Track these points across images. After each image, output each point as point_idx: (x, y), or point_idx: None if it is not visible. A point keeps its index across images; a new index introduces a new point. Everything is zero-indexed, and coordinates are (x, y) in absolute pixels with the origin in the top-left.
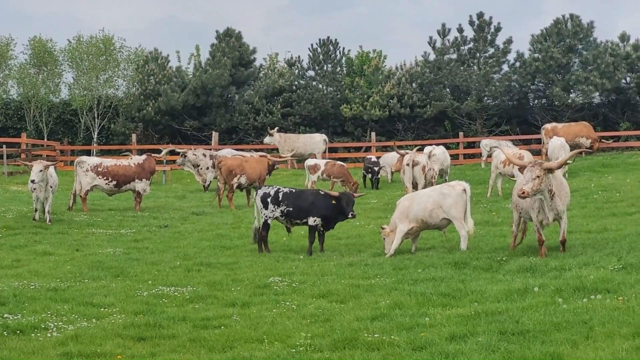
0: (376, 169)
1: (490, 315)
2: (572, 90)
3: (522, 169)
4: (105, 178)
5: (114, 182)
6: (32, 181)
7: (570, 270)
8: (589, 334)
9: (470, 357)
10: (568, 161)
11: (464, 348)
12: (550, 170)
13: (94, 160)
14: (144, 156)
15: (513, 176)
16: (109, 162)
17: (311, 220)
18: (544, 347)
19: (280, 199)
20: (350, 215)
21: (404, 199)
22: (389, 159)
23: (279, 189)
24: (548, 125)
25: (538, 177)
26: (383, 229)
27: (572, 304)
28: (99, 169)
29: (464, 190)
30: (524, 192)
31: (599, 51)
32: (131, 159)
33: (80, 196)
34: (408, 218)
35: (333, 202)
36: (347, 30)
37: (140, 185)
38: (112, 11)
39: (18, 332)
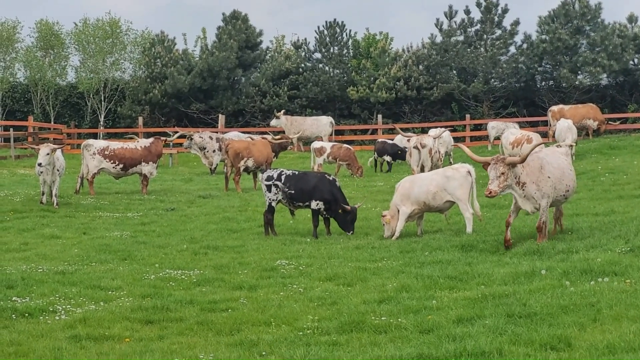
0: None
1: (498, 298)
2: (579, 72)
3: (485, 165)
4: (112, 161)
5: (121, 165)
6: (39, 164)
7: (577, 253)
8: (596, 317)
9: (478, 339)
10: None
11: (471, 331)
12: (513, 165)
13: (100, 143)
14: (151, 139)
15: None
16: (115, 145)
17: (314, 204)
18: (551, 330)
19: (282, 181)
20: (349, 233)
21: (404, 181)
22: (447, 138)
23: (282, 171)
24: (555, 108)
25: (503, 174)
26: (383, 216)
27: (579, 287)
28: (106, 152)
29: (469, 172)
30: (490, 192)
31: (607, 32)
32: (138, 142)
33: (87, 179)
34: (410, 200)
35: (340, 211)
36: (353, 12)
37: (146, 168)
38: None
39: (26, 315)
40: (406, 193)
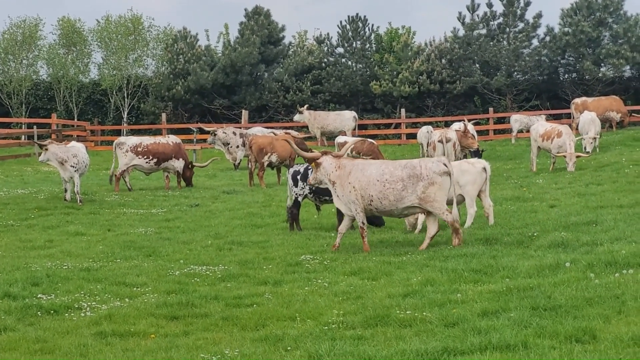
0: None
1: (522, 291)
2: (602, 64)
3: (310, 161)
4: (145, 157)
5: (155, 160)
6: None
7: (601, 245)
8: (621, 309)
9: (503, 332)
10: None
11: (496, 324)
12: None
13: (133, 140)
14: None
15: (550, 150)
16: (148, 140)
17: None
18: (576, 322)
19: (309, 176)
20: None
21: None
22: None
23: (308, 166)
24: (578, 100)
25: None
26: None
27: (604, 279)
28: (139, 149)
29: (484, 168)
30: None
31: (630, 24)
32: (168, 137)
33: (116, 175)
34: None
35: None
36: (376, 6)
37: (177, 163)
38: None
39: (52, 312)
40: None
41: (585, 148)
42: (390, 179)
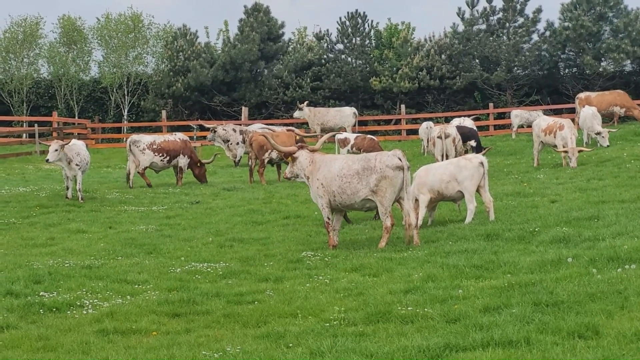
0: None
1: (524, 287)
2: (603, 59)
3: (286, 155)
4: (160, 154)
5: (168, 158)
6: (47, 160)
7: (604, 240)
8: (624, 304)
9: (505, 328)
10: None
11: (498, 320)
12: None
13: (147, 138)
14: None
15: (555, 146)
16: (160, 138)
17: None
18: (578, 318)
19: None
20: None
21: (420, 170)
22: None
23: None
24: (582, 95)
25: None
26: None
27: (606, 274)
28: (154, 146)
29: (481, 163)
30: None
31: (630, 19)
32: (175, 134)
33: (139, 172)
34: (426, 188)
35: None
36: (375, 2)
37: (182, 160)
38: None
39: (54, 309)
40: (422, 182)
41: (600, 144)
42: (347, 172)
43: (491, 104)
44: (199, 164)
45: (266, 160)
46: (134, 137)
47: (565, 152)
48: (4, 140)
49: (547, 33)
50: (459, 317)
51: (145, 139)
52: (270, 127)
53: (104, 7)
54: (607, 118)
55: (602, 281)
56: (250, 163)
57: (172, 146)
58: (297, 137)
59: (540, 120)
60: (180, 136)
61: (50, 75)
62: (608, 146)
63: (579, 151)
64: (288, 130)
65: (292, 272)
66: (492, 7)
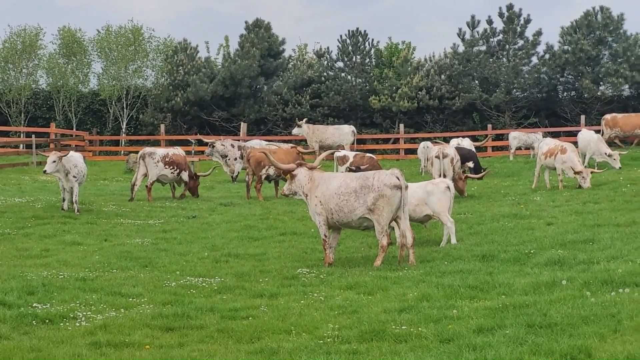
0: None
1: (518, 308)
2: (601, 83)
3: (285, 172)
4: (171, 167)
5: (178, 171)
6: (44, 172)
7: (598, 263)
8: (617, 328)
9: (498, 349)
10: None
11: (492, 340)
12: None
13: (161, 151)
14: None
15: (554, 168)
16: (171, 151)
17: None
18: (571, 340)
19: None
20: None
21: None
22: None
23: None
24: (608, 116)
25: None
26: None
27: (600, 297)
28: (167, 159)
29: (448, 187)
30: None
31: (629, 43)
32: (176, 149)
33: (147, 186)
34: None
35: None
36: (376, 21)
37: (185, 174)
38: (141, 1)
39: (47, 321)
40: None
41: (613, 166)
42: (345, 190)
43: (489, 125)
44: (194, 177)
45: (263, 177)
46: (148, 149)
47: (579, 173)
48: (1, 151)
49: (547, 56)
50: (453, 337)
51: (160, 151)
52: (276, 143)
53: (105, 19)
54: (627, 141)
55: (595, 304)
56: (247, 179)
57: (181, 159)
58: (298, 153)
59: (543, 144)
60: (180, 151)
61: (49, 87)
62: (620, 168)
63: (592, 172)
64: (292, 148)
65: (287, 288)
66: (492, 28)
